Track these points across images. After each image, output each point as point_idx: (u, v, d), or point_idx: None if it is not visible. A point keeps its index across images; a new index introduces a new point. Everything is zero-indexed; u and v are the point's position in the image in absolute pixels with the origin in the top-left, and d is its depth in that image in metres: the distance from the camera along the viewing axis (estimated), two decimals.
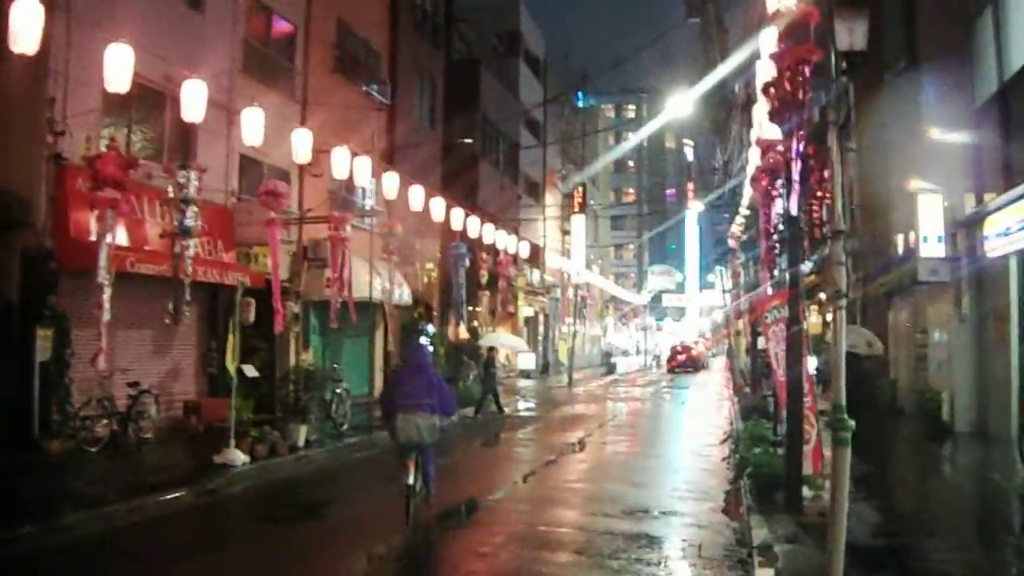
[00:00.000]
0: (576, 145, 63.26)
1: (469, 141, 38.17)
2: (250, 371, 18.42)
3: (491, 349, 27.32)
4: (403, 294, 26.15)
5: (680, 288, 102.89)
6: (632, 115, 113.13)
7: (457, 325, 32.71)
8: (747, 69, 31.35)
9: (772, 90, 8.50)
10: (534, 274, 48.37)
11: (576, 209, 57.28)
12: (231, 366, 15.87)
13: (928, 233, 18.73)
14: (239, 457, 14.75)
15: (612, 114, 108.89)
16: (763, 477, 11.93)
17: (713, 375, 58.44)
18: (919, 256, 18.90)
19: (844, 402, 6.65)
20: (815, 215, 9.76)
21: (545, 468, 16.25)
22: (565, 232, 57.82)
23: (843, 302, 6.92)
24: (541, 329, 52.50)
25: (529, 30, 51.80)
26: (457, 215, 25.65)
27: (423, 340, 24.90)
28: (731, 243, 31.93)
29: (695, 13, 36.08)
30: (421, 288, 26.19)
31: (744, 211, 21.01)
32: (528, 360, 47.33)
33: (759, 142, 13.59)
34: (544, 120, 53.75)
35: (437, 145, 35.23)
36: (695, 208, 61.93)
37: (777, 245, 13.73)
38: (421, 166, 27.37)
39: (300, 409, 17.32)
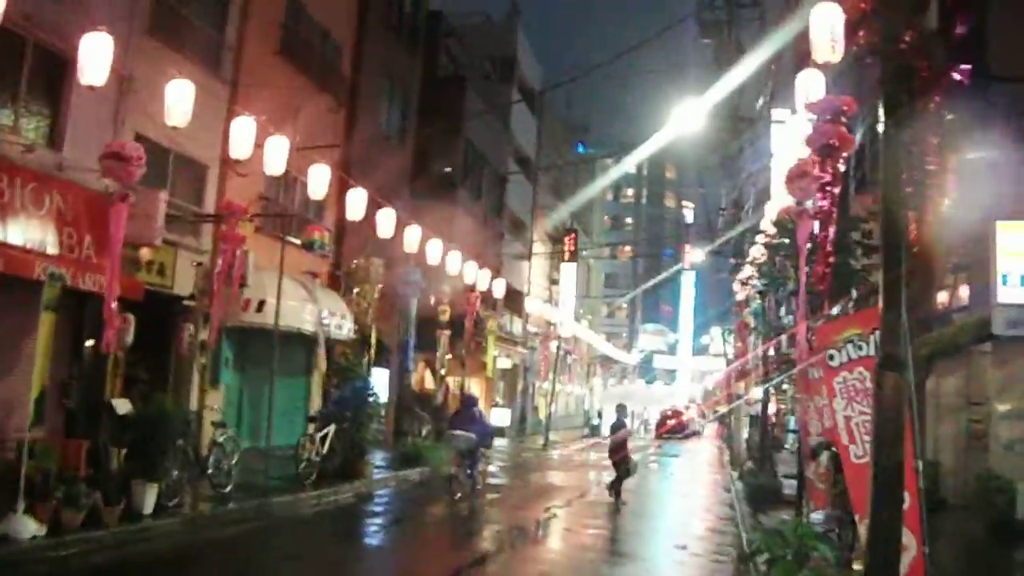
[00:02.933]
0: (569, 191, 59.17)
1: (448, 170, 34.04)
2: (122, 407, 13.87)
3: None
4: (346, 328, 21.53)
5: (672, 350, 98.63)
6: (632, 170, 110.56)
7: (424, 372, 28.33)
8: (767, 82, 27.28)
9: None
10: (514, 323, 43.93)
11: (567, 257, 52.99)
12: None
13: (1009, 271, 14.23)
14: (27, 528, 10.11)
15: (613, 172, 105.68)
16: None
17: (704, 443, 54.09)
18: (994, 303, 14.38)
19: None
20: None
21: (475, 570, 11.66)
22: (553, 281, 53.45)
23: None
24: (520, 384, 47.79)
25: (526, 59, 47.80)
26: (412, 235, 21.22)
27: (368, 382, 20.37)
28: (738, 292, 27.56)
29: (707, 33, 31.72)
30: (370, 323, 21.56)
31: (764, 238, 16.44)
32: (503, 417, 42.73)
33: (810, 107, 9.35)
34: (537, 155, 49.61)
35: (405, 162, 30.94)
36: (694, 257, 57.18)
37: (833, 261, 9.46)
38: (385, 184, 23.01)
39: (152, 462, 12.57)
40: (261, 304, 20.47)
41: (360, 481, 18.45)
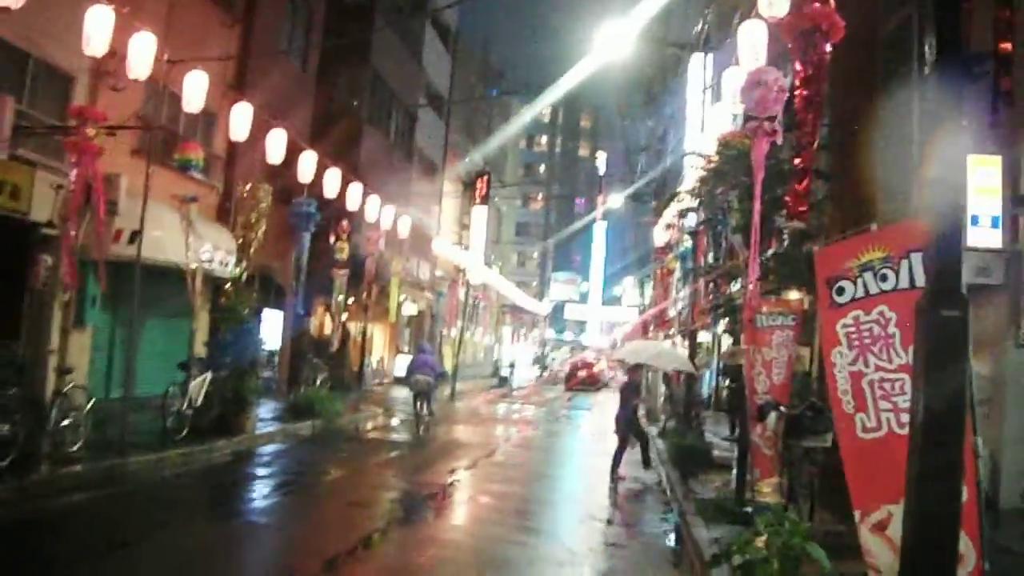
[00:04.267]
0: (482, 133, 57.01)
1: (355, 104, 31.79)
2: None
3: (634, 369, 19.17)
4: (233, 264, 19.18)
5: (584, 299, 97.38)
6: (547, 119, 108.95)
7: (324, 316, 26.17)
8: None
9: None
10: (422, 267, 41.83)
11: (478, 200, 50.92)
12: None
13: (980, 212, 12.57)
14: None
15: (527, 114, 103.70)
16: None
17: (614, 395, 52.36)
18: (963, 247, 12.73)
19: None
20: None
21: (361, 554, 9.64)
22: (464, 226, 51.36)
23: None
24: (427, 332, 45.70)
25: None
26: (307, 161, 19.05)
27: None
28: (660, 237, 25.85)
29: None
30: (257, 258, 19.21)
31: (702, 164, 14.48)
32: (404, 366, 40.72)
33: None
34: (450, 93, 47.31)
35: (308, 94, 28.49)
36: (611, 203, 55.32)
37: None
38: (282, 109, 20.69)
39: None
40: (135, 235, 18.19)
41: (240, 436, 16.29)
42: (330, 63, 29.92)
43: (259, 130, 17.55)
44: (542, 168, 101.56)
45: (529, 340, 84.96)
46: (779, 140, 10.18)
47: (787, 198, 9.71)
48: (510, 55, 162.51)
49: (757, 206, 10.04)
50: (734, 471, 15.66)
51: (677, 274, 22.85)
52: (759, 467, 11.38)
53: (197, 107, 14.56)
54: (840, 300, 5.26)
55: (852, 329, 5.18)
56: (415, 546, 9.74)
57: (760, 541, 6.43)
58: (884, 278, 5.08)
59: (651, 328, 34.35)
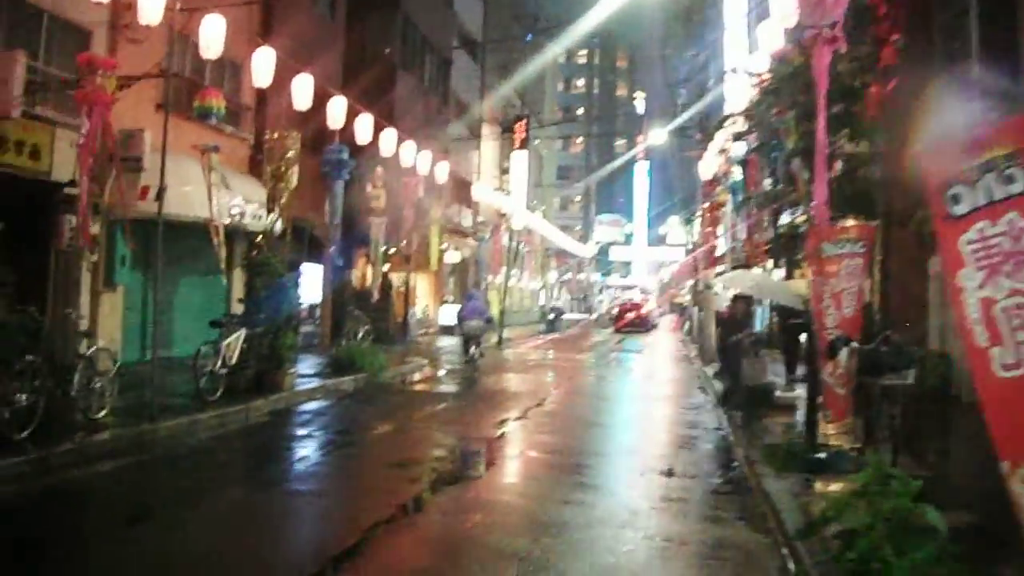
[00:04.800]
0: (519, 77, 55.78)
1: (387, 51, 30.85)
2: None
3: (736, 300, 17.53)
4: (268, 218, 18.31)
5: (629, 241, 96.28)
6: (583, 60, 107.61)
7: (366, 268, 25.42)
8: None
9: None
10: (463, 214, 41.02)
11: (518, 145, 49.91)
12: None
13: None
14: None
15: (562, 59, 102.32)
16: None
17: (663, 336, 51.69)
18: None
19: None
20: None
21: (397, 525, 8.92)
22: (504, 171, 50.38)
23: None
24: (471, 279, 44.97)
25: None
26: (337, 106, 18.22)
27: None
28: (707, 170, 24.76)
29: None
30: (290, 209, 18.39)
31: (755, 83, 13.37)
32: (452, 315, 40.06)
33: None
34: (483, 38, 46.23)
35: (337, 41, 27.62)
36: (654, 139, 53.91)
37: None
38: (317, 64, 19.82)
39: None
40: (161, 191, 17.51)
41: (278, 395, 15.56)
42: (358, 9, 29.02)
43: (288, 79, 16.80)
44: (580, 111, 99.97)
45: (575, 283, 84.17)
46: (842, 47, 9.23)
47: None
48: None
49: (822, 122, 9.13)
50: (799, 412, 14.85)
51: (728, 207, 21.72)
52: (830, 408, 10.48)
53: (216, 52, 13.77)
54: (957, 210, 4.33)
55: (978, 245, 4.25)
56: (461, 510, 8.95)
57: (861, 504, 5.50)
58: (1010, 179, 4.09)
59: (700, 266, 33.31)
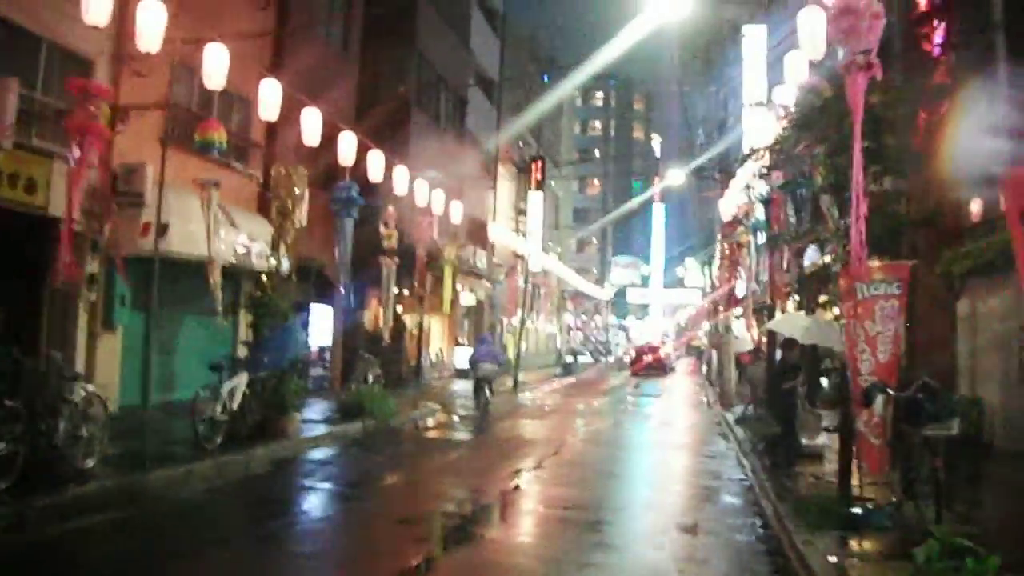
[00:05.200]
0: (535, 121, 55.37)
1: (402, 89, 30.47)
2: None
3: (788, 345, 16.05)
4: (271, 258, 17.67)
5: (645, 283, 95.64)
6: (600, 103, 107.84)
7: (379, 309, 24.82)
8: None
9: None
10: (479, 256, 40.49)
11: (534, 186, 49.43)
12: None
13: None
14: None
15: (579, 102, 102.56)
16: None
17: (681, 379, 50.90)
18: None
19: None
20: None
21: None
22: (520, 212, 49.87)
23: None
24: (487, 321, 44.33)
25: None
26: (347, 142, 17.69)
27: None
28: (728, 210, 24.18)
29: None
30: (296, 248, 17.77)
31: (784, 117, 12.77)
32: (467, 358, 39.38)
33: None
34: (500, 78, 45.93)
35: (350, 77, 27.19)
36: (672, 179, 53.24)
37: None
38: (328, 99, 19.36)
39: None
40: (164, 228, 16.97)
41: (282, 443, 14.89)
42: (372, 46, 28.65)
43: (298, 114, 16.29)
44: (597, 152, 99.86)
45: (591, 326, 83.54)
46: (878, 74, 8.62)
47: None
48: (561, 36, 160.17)
49: (858, 154, 8.49)
50: (826, 462, 14.12)
51: (750, 248, 21.05)
52: (867, 460, 9.75)
53: (219, 83, 13.18)
54: None
55: None
56: (473, 565, 8.26)
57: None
58: None
59: (720, 309, 32.61)
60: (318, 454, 15.25)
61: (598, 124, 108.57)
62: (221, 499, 11.60)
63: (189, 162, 16.65)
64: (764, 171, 12.96)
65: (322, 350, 25.19)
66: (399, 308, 30.02)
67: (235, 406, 14.34)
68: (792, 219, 15.71)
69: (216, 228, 14.42)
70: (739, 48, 27.54)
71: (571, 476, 14.46)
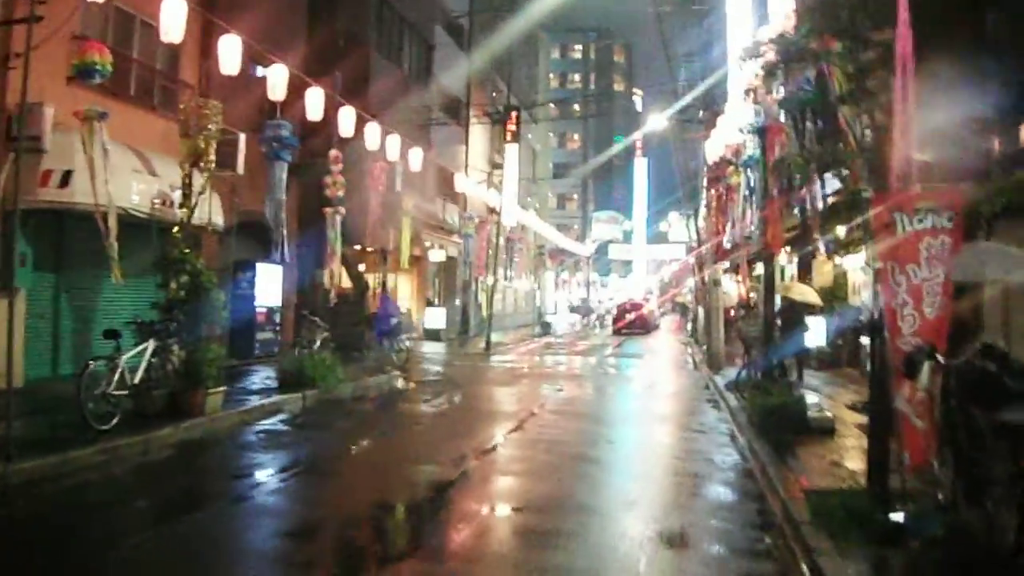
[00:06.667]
0: (509, 67, 52.81)
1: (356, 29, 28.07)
2: None
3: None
4: (182, 207, 15.07)
5: (628, 238, 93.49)
6: (578, 55, 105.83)
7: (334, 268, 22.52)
8: None
9: None
10: (449, 210, 38.16)
11: (508, 138, 46.95)
12: None
13: None
14: None
15: (557, 54, 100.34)
16: None
17: (665, 338, 48.83)
18: None
19: None
20: None
21: None
22: (496, 165, 47.44)
23: None
24: (460, 279, 42.07)
25: None
26: (278, 77, 15.27)
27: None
28: (716, 152, 21.93)
29: None
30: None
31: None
32: (437, 318, 37.15)
33: None
34: (471, 24, 43.43)
35: (299, 17, 24.79)
36: (655, 124, 50.46)
37: None
38: (274, 40, 17.02)
39: None
40: (67, 176, 14.64)
41: (193, 421, 12.57)
42: None
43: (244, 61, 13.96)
44: (576, 107, 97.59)
45: (573, 284, 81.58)
46: None
47: None
48: None
49: (905, 25, 6.20)
50: (839, 438, 11.99)
51: (740, 191, 18.60)
52: (908, 448, 7.45)
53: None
54: None
55: None
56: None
57: None
58: None
59: (707, 262, 30.40)
60: (235, 434, 12.90)
61: (577, 77, 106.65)
62: (95, 496, 9.09)
63: (102, 104, 14.18)
64: (772, 67, 10.33)
65: (271, 311, 22.83)
66: (362, 266, 27.72)
67: (136, 379, 12.07)
68: (795, 142, 13.40)
69: (105, 168, 12.04)
70: None
71: (532, 461, 11.96)
